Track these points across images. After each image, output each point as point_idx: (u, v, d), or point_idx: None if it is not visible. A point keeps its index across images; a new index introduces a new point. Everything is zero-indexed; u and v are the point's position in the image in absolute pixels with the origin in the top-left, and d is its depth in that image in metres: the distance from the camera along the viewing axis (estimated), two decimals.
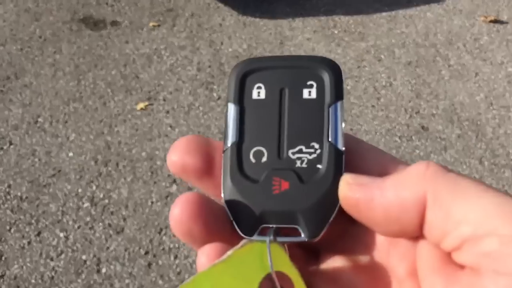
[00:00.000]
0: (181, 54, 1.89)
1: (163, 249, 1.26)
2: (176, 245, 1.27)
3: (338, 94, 0.26)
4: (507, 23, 2.06)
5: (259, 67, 0.27)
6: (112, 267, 1.23)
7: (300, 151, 0.25)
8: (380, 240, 0.25)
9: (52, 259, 1.24)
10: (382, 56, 1.89)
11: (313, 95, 0.26)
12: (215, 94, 1.71)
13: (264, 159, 0.25)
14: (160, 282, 1.20)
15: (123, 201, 1.37)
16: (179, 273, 1.22)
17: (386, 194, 0.22)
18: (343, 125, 0.25)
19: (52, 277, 1.21)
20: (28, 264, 1.23)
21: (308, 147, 0.25)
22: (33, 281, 1.20)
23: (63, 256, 1.25)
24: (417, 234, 0.22)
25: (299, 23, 2.07)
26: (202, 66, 1.83)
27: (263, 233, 0.24)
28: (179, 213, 0.24)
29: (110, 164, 1.47)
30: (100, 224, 1.32)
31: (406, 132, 1.57)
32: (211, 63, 1.85)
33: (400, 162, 0.25)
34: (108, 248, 1.26)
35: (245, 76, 0.27)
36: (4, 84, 1.74)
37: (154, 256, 1.25)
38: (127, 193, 1.39)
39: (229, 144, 0.26)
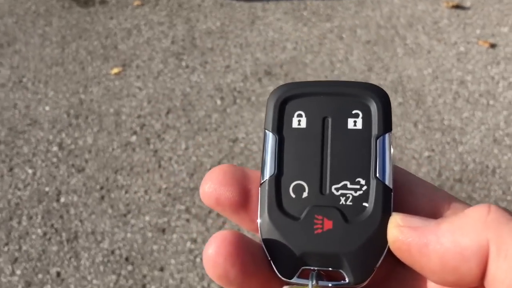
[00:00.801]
0: (158, 29, 2.07)
1: (117, 185, 1.43)
2: (129, 183, 1.43)
3: (386, 125, 0.24)
4: (468, 8, 2.18)
5: (300, 93, 0.25)
6: (70, 198, 1.40)
7: (345, 187, 0.24)
8: (432, 287, 0.23)
9: (19, 189, 1.42)
10: (344, 35, 2.03)
11: (359, 125, 0.24)
12: (184, 63, 1.88)
13: (305, 194, 0.24)
14: (110, 211, 1.36)
15: (88, 147, 1.54)
16: (127, 205, 1.38)
17: (442, 240, 0.20)
18: (391, 159, 0.24)
19: (17, 203, 1.38)
20: None
21: (353, 183, 0.24)
22: (0, 205, 1.38)
23: (29, 187, 1.42)
24: (475, 285, 0.20)
25: (272, 5, 2.22)
26: (176, 40, 2.01)
27: (303, 275, 0.23)
28: (214, 254, 0.22)
29: (81, 117, 1.65)
30: (65, 164, 1.49)
31: None
32: (184, 37, 2.02)
33: (454, 200, 0.23)
34: (68, 183, 1.43)
35: (284, 102, 0.25)
36: None
37: (108, 191, 1.41)
38: (92, 141, 1.56)
39: (267, 177, 0.24)
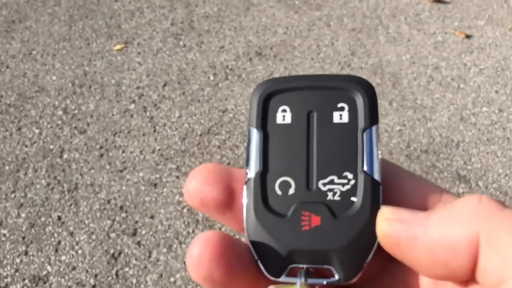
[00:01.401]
0: (160, 12, 2.22)
1: (115, 146, 1.58)
2: (126, 144, 1.58)
3: (373, 117, 0.24)
4: (449, 3, 2.32)
5: (284, 88, 0.25)
6: (72, 155, 1.54)
7: (332, 182, 0.23)
8: (424, 281, 0.22)
9: (26, 146, 1.57)
10: (332, 23, 2.18)
11: (345, 118, 0.24)
12: (181, 43, 2.03)
13: (292, 191, 0.23)
14: (108, 167, 1.51)
15: (90, 112, 1.69)
16: (123, 162, 1.52)
17: (431, 233, 0.20)
18: (380, 152, 0.23)
19: (24, 158, 1.53)
20: (7, 149, 1.55)
21: (340, 177, 0.23)
22: (9, 159, 1.52)
23: (35, 145, 1.57)
24: (467, 278, 0.20)
25: None
26: (175, 22, 2.16)
27: (292, 274, 0.23)
28: (198, 255, 0.21)
29: (84, 86, 1.80)
30: (68, 126, 1.64)
31: None
32: (183, 20, 2.17)
33: (444, 191, 0.23)
34: (71, 142, 1.58)
35: (268, 98, 0.25)
36: (9, 26, 2.09)
37: (107, 150, 1.56)
38: (94, 107, 1.71)
39: (252, 174, 0.24)
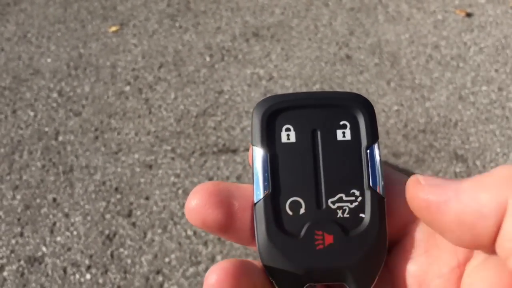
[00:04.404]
0: None
1: (110, 128, 1.57)
2: (121, 126, 1.57)
3: (374, 134, 0.24)
4: None
5: (286, 106, 0.25)
6: (67, 137, 1.54)
7: (341, 200, 0.24)
8: (410, 281, 0.23)
9: (21, 129, 1.56)
10: (330, 3, 2.15)
11: (348, 136, 0.24)
12: (177, 24, 2.01)
13: (302, 210, 0.24)
14: (103, 149, 1.50)
15: (85, 94, 1.68)
16: (119, 144, 1.52)
17: (461, 197, 0.20)
18: (382, 168, 0.24)
19: (19, 140, 1.53)
20: (2, 132, 1.55)
21: (348, 195, 0.24)
22: (4, 142, 1.52)
23: (30, 127, 1.57)
24: (490, 246, 0.20)
25: None
26: (172, 3, 2.13)
27: None
28: (215, 285, 0.22)
29: (79, 69, 1.78)
30: (63, 109, 1.63)
31: (332, 59, 1.84)
32: (180, 1, 2.14)
33: None
34: (66, 124, 1.58)
35: (271, 116, 0.25)
36: (4, 8, 2.07)
37: (102, 132, 1.56)
38: (89, 89, 1.70)
39: (261, 196, 0.24)
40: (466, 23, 2.00)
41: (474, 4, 2.10)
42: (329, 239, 0.23)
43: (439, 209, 0.21)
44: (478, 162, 1.46)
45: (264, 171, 0.24)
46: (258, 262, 0.24)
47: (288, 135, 0.24)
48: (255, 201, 0.24)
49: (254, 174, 0.24)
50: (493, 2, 2.11)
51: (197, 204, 0.23)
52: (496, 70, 1.78)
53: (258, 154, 0.24)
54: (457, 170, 1.43)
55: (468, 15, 2.05)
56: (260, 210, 0.24)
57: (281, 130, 0.25)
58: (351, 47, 1.90)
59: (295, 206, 0.24)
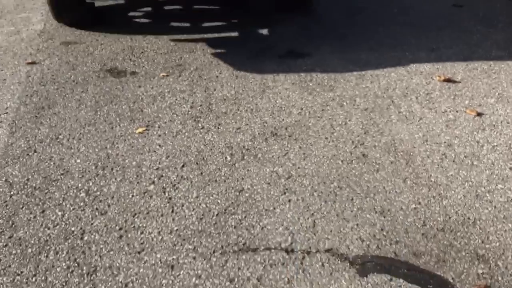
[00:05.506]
0: (180, 96, 2.34)
1: (134, 227, 1.61)
2: (144, 224, 1.61)
3: None
4: (459, 82, 2.40)
5: None
6: (92, 236, 1.58)
7: None
8: None
9: (49, 228, 1.61)
10: (344, 103, 2.26)
11: None
12: (200, 125, 2.12)
13: None
14: (126, 248, 1.54)
15: (111, 193, 1.75)
16: (142, 243, 1.55)
17: None
18: None
19: (46, 240, 1.57)
20: (31, 231, 1.60)
21: None
22: (32, 241, 1.57)
23: (57, 227, 1.62)
24: None
25: (281, 77, 2.49)
26: (195, 105, 2.26)
27: None
28: None
29: (107, 168, 1.87)
30: (90, 208, 1.69)
31: (348, 157, 1.90)
32: (202, 103, 2.28)
33: None
34: (92, 224, 1.62)
35: None
36: (38, 112, 2.23)
37: (126, 231, 1.60)
38: (115, 188, 1.77)
39: None
40: (478, 122, 2.07)
41: (484, 104, 2.19)
42: None
43: None
44: (500, 263, 1.45)
45: None
46: None
47: None
48: None
49: None
50: (502, 101, 2.20)
51: None
52: (511, 168, 1.81)
53: None
54: (480, 271, 1.42)
55: (479, 114, 2.13)
56: None
57: None
58: (366, 145, 1.97)
59: None
